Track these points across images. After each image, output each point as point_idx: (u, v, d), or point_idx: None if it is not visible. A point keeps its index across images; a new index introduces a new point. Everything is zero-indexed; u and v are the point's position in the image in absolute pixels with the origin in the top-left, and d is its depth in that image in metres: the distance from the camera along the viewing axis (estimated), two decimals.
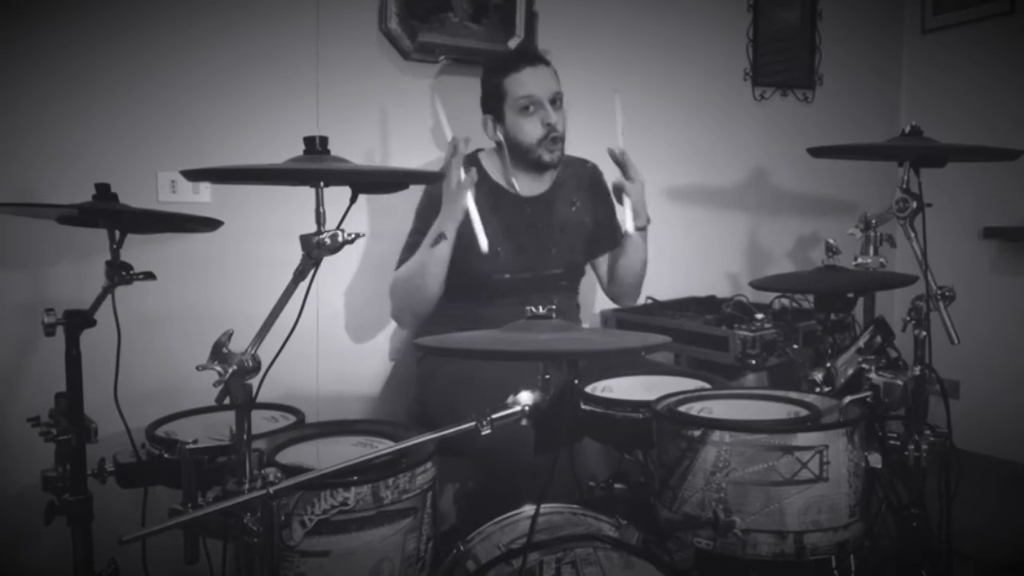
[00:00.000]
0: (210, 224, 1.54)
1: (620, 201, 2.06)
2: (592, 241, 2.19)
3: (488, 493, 1.67)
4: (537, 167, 2.04)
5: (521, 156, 2.03)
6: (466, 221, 1.87)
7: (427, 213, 1.97)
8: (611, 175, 2.12)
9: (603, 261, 2.24)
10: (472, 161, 2.03)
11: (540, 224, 2.09)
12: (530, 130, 1.98)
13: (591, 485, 1.75)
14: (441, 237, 1.86)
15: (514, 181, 2.06)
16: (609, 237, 2.19)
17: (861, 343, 1.60)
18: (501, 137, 2.03)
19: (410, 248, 2.00)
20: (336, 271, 2.25)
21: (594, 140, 2.18)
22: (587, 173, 2.21)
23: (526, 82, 1.96)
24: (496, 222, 2.00)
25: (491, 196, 2.03)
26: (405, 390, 2.24)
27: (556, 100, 2.00)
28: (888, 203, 1.69)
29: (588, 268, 2.26)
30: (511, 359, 1.76)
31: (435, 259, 1.88)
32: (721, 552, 1.31)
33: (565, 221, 2.12)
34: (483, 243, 1.86)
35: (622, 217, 2.06)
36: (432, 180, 1.85)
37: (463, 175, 1.85)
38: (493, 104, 2.02)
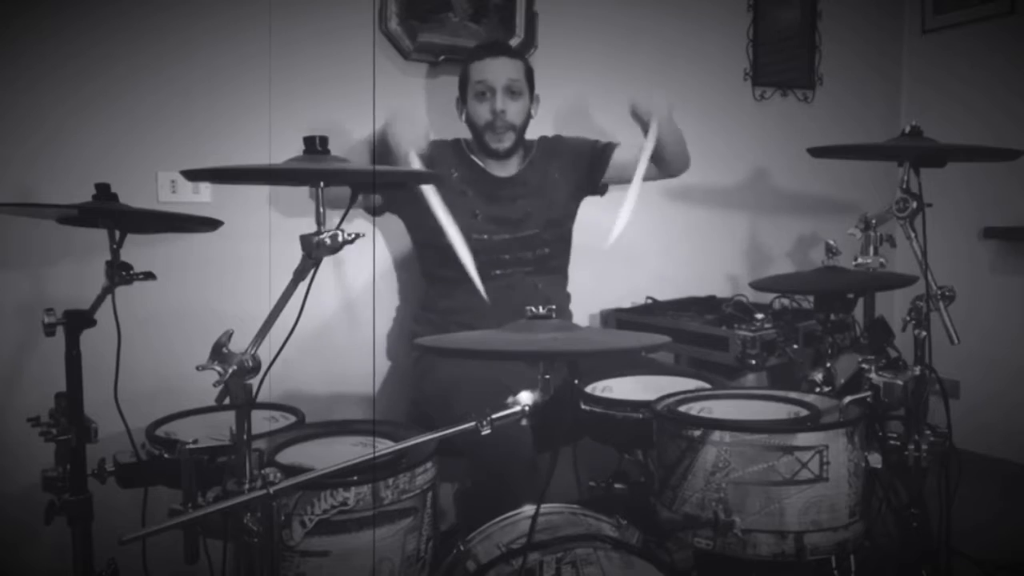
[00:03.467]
0: (210, 224, 1.53)
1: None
2: (576, 188, 2.21)
3: (485, 492, 1.67)
4: (488, 153, 2.11)
5: (478, 139, 2.11)
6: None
7: None
8: None
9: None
10: (456, 146, 2.16)
11: (518, 194, 2.13)
12: (480, 113, 2.06)
13: (591, 485, 1.75)
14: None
15: (474, 158, 2.14)
16: (591, 172, 2.20)
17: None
18: (464, 119, 2.12)
19: None
20: (336, 271, 2.25)
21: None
22: (561, 145, 2.23)
23: (484, 69, 2.05)
24: (475, 193, 2.09)
25: (470, 171, 2.12)
26: (403, 390, 2.24)
27: (514, 90, 2.06)
28: (888, 203, 1.68)
29: (571, 270, 2.23)
30: (511, 359, 1.78)
31: None
32: (721, 552, 1.32)
33: (541, 186, 2.16)
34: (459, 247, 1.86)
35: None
36: (432, 180, 1.85)
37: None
38: (461, 87, 2.13)
